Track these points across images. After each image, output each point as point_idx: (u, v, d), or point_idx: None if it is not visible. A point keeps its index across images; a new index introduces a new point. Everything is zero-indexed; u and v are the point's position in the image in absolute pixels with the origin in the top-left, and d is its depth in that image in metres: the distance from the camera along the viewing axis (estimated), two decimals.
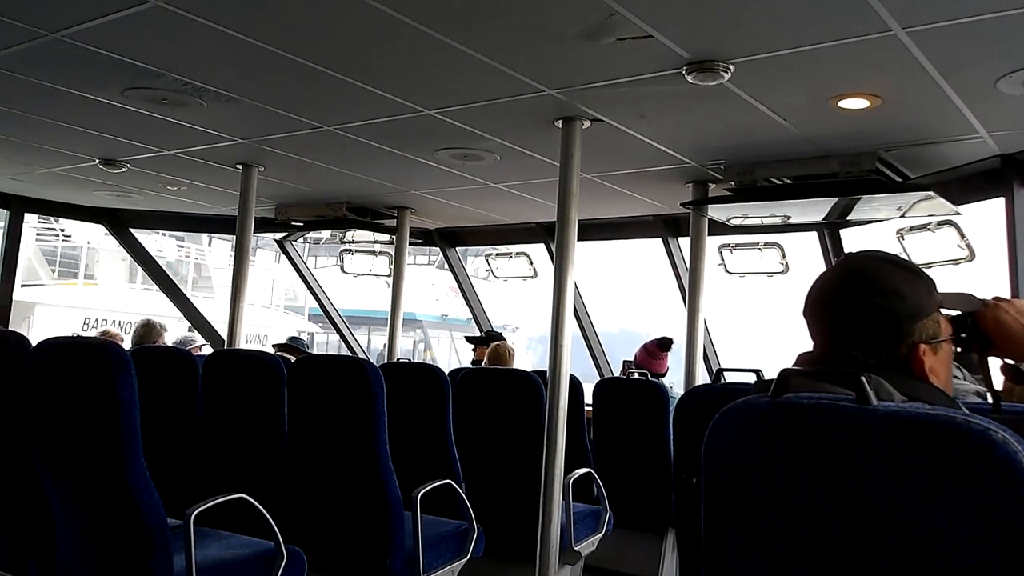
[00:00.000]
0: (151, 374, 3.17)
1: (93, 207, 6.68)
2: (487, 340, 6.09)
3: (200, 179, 5.23)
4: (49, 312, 14.87)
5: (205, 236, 19.29)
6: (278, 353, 5.31)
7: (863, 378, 1.05)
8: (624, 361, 5.66)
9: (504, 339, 6.02)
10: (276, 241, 7.21)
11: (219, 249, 21.64)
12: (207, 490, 2.91)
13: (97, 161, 4.82)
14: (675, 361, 5.18)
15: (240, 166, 4.76)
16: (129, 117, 3.81)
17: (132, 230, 7.16)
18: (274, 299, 21.98)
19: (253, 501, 2.54)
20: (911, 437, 1.00)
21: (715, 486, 1.19)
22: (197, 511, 2.41)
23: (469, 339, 6.49)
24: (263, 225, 5.97)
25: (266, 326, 19.35)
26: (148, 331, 5.24)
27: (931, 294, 1.33)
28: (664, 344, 5.09)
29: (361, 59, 2.94)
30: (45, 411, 2.56)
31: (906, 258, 4.30)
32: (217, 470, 3.37)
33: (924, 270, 1.38)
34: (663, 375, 5.06)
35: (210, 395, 3.39)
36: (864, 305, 1.30)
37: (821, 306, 1.37)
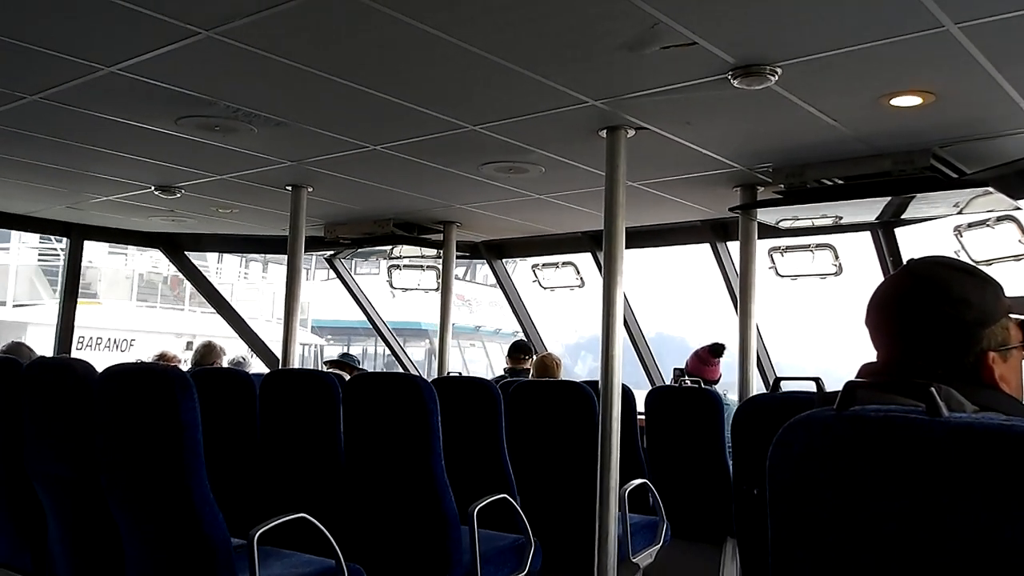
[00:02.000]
0: (211, 395, 3.23)
1: (149, 232, 6.85)
2: (521, 351, 6.08)
3: (251, 202, 5.34)
4: (41, 332, 14.91)
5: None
6: (330, 370, 5.40)
7: (932, 389, 1.03)
8: (675, 369, 5.60)
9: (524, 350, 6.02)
10: (326, 259, 7.31)
11: (228, 264, 21.90)
12: (267, 508, 2.96)
13: (153, 188, 4.96)
14: (727, 368, 5.12)
15: (290, 188, 4.85)
16: (183, 144, 3.91)
17: (185, 252, 7.33)
18: (276, 312, 22.26)
19: (314, 520, 2.58)
20: (986, 450, 0.97)
21: (783, 503, 1.17)
22: (260, 531, 2.45)
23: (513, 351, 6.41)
24: (313, 244, 6.05)
25: (268, 340, 19.63)
26: (208, 352, 5.35)
27: (999, 300, 1.29)
28: (716, 350, 5.02)
29: (406, 79, 2.98)
30: (112, 435, 2.63)
31: (969, 260, 4.22)
32: (276, 488, 3.42)
33: (990, 274, 1.34)
34: (716, 382, 4.99)
35: (268, 415, 3.45)
36: (930, 313, 1.27)
37: (885, 314, 1.34)
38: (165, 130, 3.69)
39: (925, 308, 1.28)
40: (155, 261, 20.22)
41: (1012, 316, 1.31)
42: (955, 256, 4.27)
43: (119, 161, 4.33)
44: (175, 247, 7.19)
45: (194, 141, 3.85)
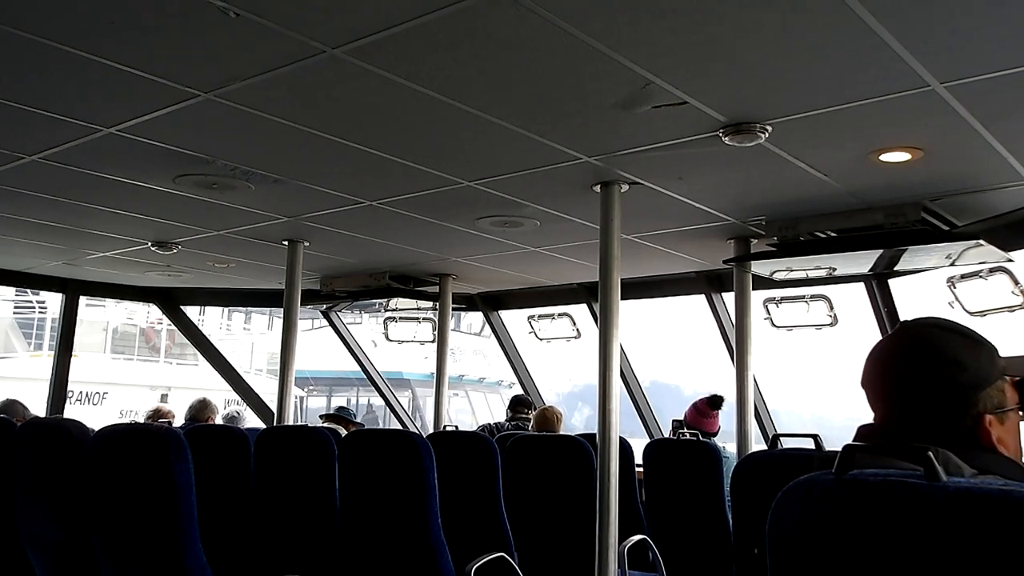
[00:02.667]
0: (205, 453, 3.20)
1: (145, 287, 6.86)
2: (522, 403, 6.07)
3: (248, 256, 5.36)
4: (15, 385, 14.94)
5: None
6: (326, 424, 5.36)
7: (930, 453, 1.03)
8: (673, 420, 5.56)
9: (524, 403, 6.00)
10: (321, 312, 7.30)
11: (211, 315, 21.65)
12: (261, 569, 2.91)
13: (149, 244, 4.98)
14: (725, 418, 5.09)
15: (286, 242, 4.87)
16: (180, 202, 3.94)
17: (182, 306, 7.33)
18: (254, 363, 21.73)
19: None
20: (986, 514, 0.97)
21: (783, 566, 1.17)
22: None
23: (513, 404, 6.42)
24: (309, 297, 6.06)
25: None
26: (203, 408, 5.32)
27: (994, 362, 1.30)
28: (714, 402, 4.98)
29: (402, 138, 3.02)
30: (105, 497, 2.60)
31: (963, 311, 4.24)
32: (270, 548, 3.37)
33: (984, 336, 1.35)
34: (715, 434, 4.95)
35: (262, 472, 3.41)
36: (925, 376, 1.27)
37: (880, 377, 1.34)
38: (163, 188, 3.72)
39: (920, 371, 1.28)
40: (130, 313, 20.03)
41: (1007, 377, 1.31)
42: (950, 307, 4.30)
43: (117, 218, 4.36)
44: (170, 301, 7.19)
45: (191, 198, 3.88)
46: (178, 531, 2.29)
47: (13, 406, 4.82)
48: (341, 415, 5.78)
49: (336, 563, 3.12)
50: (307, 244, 4.90)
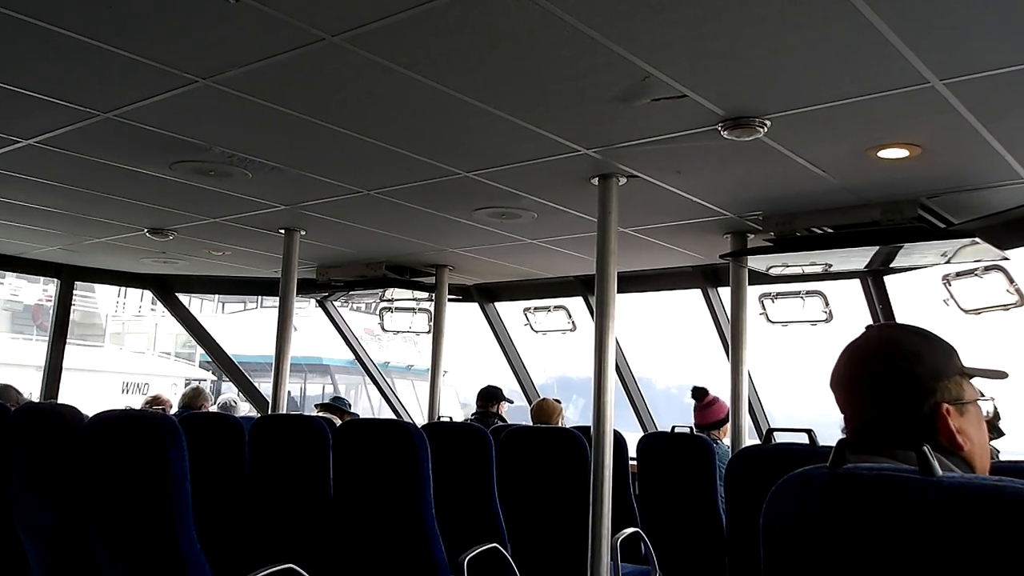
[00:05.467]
0: (199, 440, 3.20)
1: (140, 274, 6.84)
2: (491, 396, 5.80)
3: (244, 244, 5.35)
4: None
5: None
6: (321, 413, 5.36)
7: (926, 448, 1.04)
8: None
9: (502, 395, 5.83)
10: (317, 301, 7.30)
11: (105, 296, 20.61)
12: (254, 557, 2.92)
13: (145, 230, 4.96)
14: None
15: (283, 231, 4.86)
16: (176, 188, 3.93)
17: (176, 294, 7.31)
18: (158, 346, 20.87)
19: (301, 571, 2.54)
20: (980, 509, 0.98)
21: (777, 559, 1.17)
22: None
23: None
24: (305, 286, 6.05)
25: (149, 374, 18.66)
26: (196, 396, 5.31)
27: (951, 358, 1.37)
28: (694, 394, 4.91)
29: (400, 127, 3.01)
30: (99, 483, 2.60)
31: (958, 309, 4.26)
32: (264, 536, 3.37)
33: (945, 339, 1.41)
34: (725, 420, 4.85)
35: (256, 461, 3.41)
36: (885, 366, 1.35)
37: (847, 375, 1.41)
38: (159, 174, 3.71)
39: (880, 362, 1.36)
40: (14, 289, 18.83)
41: (965, 376, 1.37)
42: (945, 305, 4.32)
43: (112, 204, 4.34)
44: (165, 289, 7.17)
45: (188, 185, 3.87)
46: (172, 518, 2.29)
47: (7, 391, 4.81)
48: (337, 405, 5.78)
49: (330, 552, 3.13)
50: (303, 233, 4.89)
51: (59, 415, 2.75)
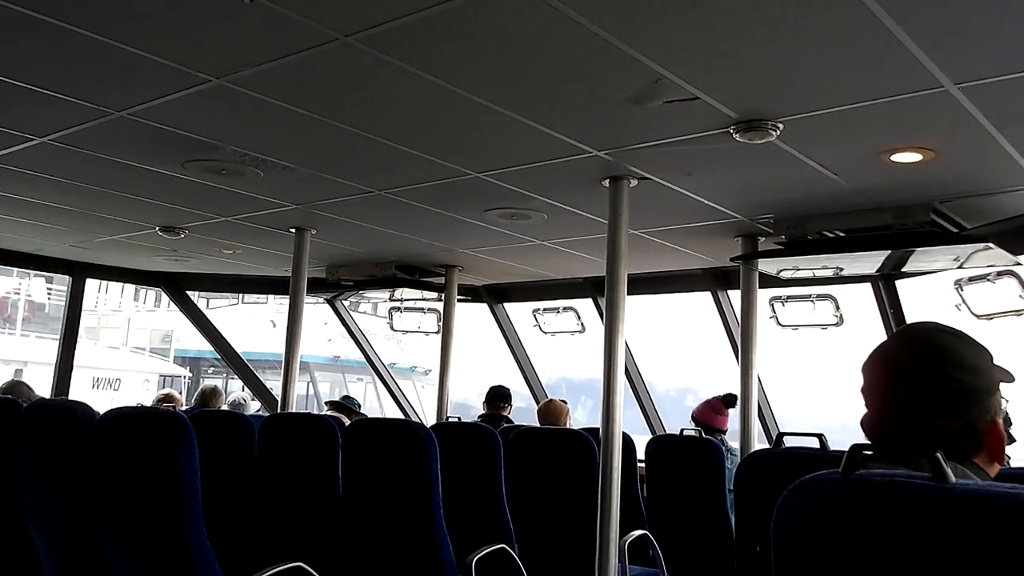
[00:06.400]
0: (210, 438, 3.21)
1: (151, 271, 6.87)
2: (500, 397, 5.75)
3: (255, 243, 5.36)
4: None
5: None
6: (330, 412, 5.37)
7: (939, 455, 1.03)
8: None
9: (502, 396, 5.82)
10: (327, 300, 7.31)
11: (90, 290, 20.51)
12: (263, 555, 2.92)
13: (157, 228, 4.98)
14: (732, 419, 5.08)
15: (293, 230, 4.87)
16: (189, 187, 3.94)
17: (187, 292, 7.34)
18: (132, 341, 20.52)
19: (310, 570, 2.54)
20: (994, 517, 0.97)
21: (786, 566, 1.16)
22: None
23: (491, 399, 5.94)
24: (315, 286, 6.06)
25: (122, 369, 18.27)
26: (211, 395, 5.35)
27: (994, 365, 1.33)
28: (729, 401, 4.98)
29: (412, 127, 3.01)
30: (110, 480, 2.61)
31: (970, 314, 4.23)
32: (273, 534, 3.38)
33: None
34: (723, 432, 4.95)
35: (266, 459, 3.42)
36: (938, 377, 1.28)
37: (892, 379, 1.34)
38: (172, 173, 3.72)
39: (932, 373, 1.29)
40: None
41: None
42: (957, 310, 4.29)
43: (125, 202, 4.36)
44: (176, 286, 7.20)
45: (200, 184, 3.89)
46: (183, 515, 2.30)
47: (19, 387, 4.84)
48: (346, 404, 5.79)
49: (338, 550, 3.13)
50: (314, 232, 4.90)
51: (70, 411, 2.77)
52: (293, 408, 4.80)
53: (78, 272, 6.53)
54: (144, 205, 4.42)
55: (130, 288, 21.18)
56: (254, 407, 7.38)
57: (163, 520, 2.37)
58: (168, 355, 21.63)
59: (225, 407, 5.86)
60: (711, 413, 4.97)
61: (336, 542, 3.15)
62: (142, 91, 2.75)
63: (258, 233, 5.01)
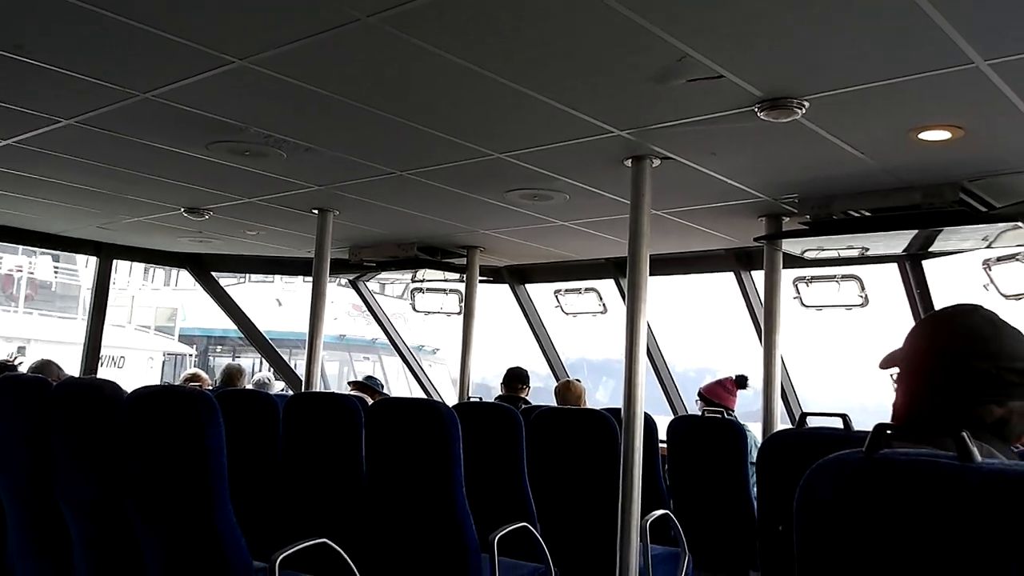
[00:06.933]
0: (235, 417, 3.25)
1: (177, 252, 6.94)
2: (518, 379, 5.70)
3: (278, 224, 5.40)
4: None
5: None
6: (353, 392, 5.42)
7: (965, 434, 1.02)
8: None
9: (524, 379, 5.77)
10: (349, 281, 7.35)
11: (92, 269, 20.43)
12: (288, 532, 2.97)
13: (182, 210, 5.03)
14: (751, 399, 5.07)
15: (316, 211, 4.90)
16: (212, 168, 3.97)
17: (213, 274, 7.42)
18: (136, 319, 20.40)
19: (335, 546, 2.58)
20: (1021, 496, 0.96)
21: (809, 545, 1.16)
22: (282, 556, 2.45)
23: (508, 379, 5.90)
24: (337, 266, 6.09)
25: (126, 347, 18.25)
26: (236, 374, 5.41)
27: None
28: (741, 382, 4.99)
29: (434, 108, 3.01)
30: (138, 457, 2.66)
31: (998, 294, 4.17)
32: (298, 512, 3.43)
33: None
34: (731, 411, 4.96)
35: (291, 438, 3.46)
36: (981, 364, 1.28)
37: (927, 358, 1.34)
38: (196, 154, 3.75)
39: (978, 359, 1.29)
40: None
41: None
42: (985, 290, 4.24)
43: (150, 184, 4.40)
44: (201, 267, 7.27)
45: (224, 165, 3.91)
46: (209, 491, 2.34)
47: (48, 366, 4.93)
48: (369, 384, 5.83)
49: (361, 528, 3.17)
50: (337, 213, 4.92)
51: (99, 390, 2.82)
52: (317, 387, 4.84)
53: (105, 253, 6.60)
54: (169, 186, 4.45)
55: (139, 267, 21.29)
56: (278, 387, 7.46)
57: (190, 496, 2.41)
58: (173, 333, 21.67)
59: (249, 386, 5.93)
60: (720, 391, 4.98)
61: (360, 519, 3.19)
62: (167, 73, 2.77)
63: (281, 214, 5.04)
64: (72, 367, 5.30)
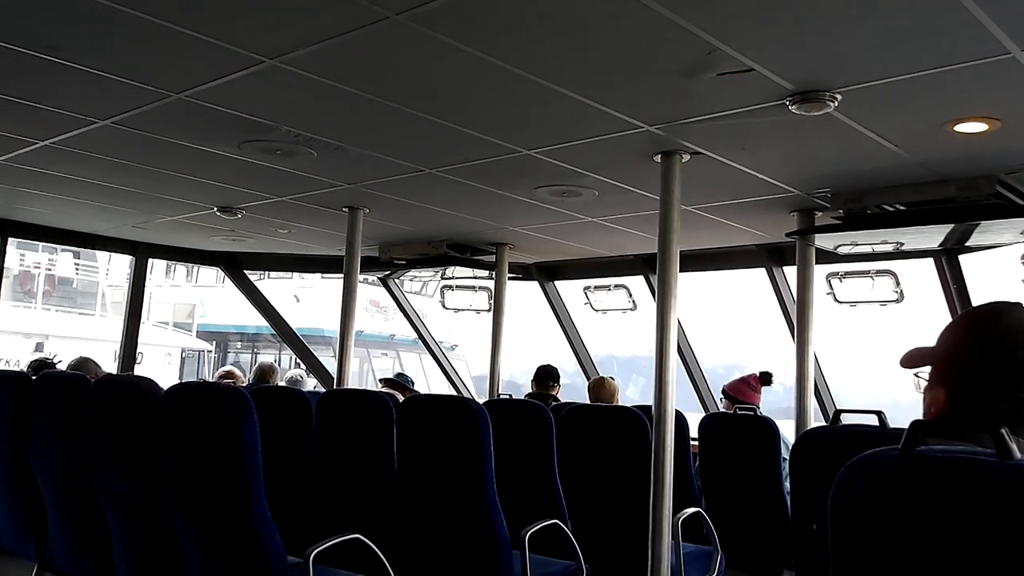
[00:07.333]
0: (269, 414, 3.29)
1: (210, 251, 7.04)
2: (549, 376, 5.71)
3: (309, 222, 5.45)
4: None
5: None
6: (384, 389, 5.45)
7: (1004, 431, 1.01)
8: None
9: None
10: (380, 279, 7.39)
11: (118, 266, 19.75)
12: (322, 527, 3.00)
13: (215, 209, 5.09)
14: (782, 396, 5.03)
15: (346, 209, 4.93)
16: (245, 167, 4.02)
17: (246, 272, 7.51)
18: (153, 316, 20.38)
19: (368, 541, 2.60)
20: None
21: (845, 543, 1.15)
22: (316, 551, 2.47)
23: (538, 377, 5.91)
24: (368, 264, 6.14)
25: (144, 343, 18.46)
26: (270, 372, 5.48)
27: None
28: (767, 379, 4.95)
29: (463, 105, 3.02)
30: (174, 453, 2.70)
31: None
32: (331, 507, 3.46)
33: None
34: (756, 409, 4.91)
35: (323, 434, 3.49)
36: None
37: (979, 358, 1.31)
38: (228, 154, 3.80)
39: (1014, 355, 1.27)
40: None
41: None
42: (1023, 284, 4.15)
43: (184, 183, 4.46)
44: (234, 266, 7.36)
45: (255, 164, 3.95)
46: (244, 487, 2.37)
47: (87, 364, 5.02)
48: (400, 381, 5.87)
49: (394, 524, 3.19)
50: (367, 211, 4.95)
51: (136, 387, 2.87)
52: (348, 384, 4.88)
53: (140, 252, 6.71)
54: (202, 186, 4.51)
55: (160, 263, 21.50)
56: (310, 384, 7.53)
57: (226, 492, 2.45)
58: (191, 329, 21.84)
59: (282, 383, 5.99)
60: (745, 388, 4.94)
61: (392, 516, 3.21)
62: (199, 73, 2.80)
63: (312, 212, 5.09)
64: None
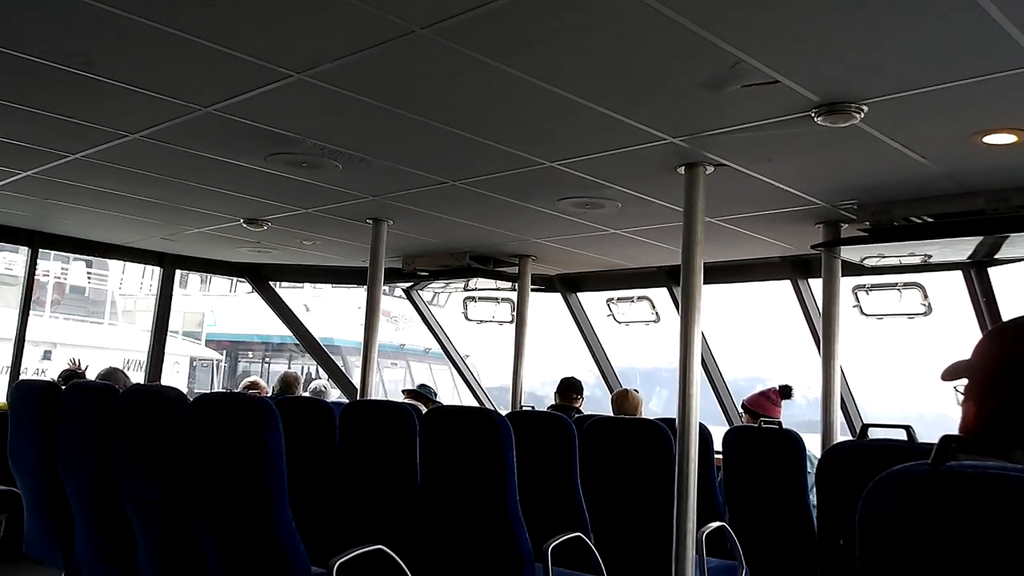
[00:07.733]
0: (293, 424, 3.31)
1: (236, 263, 7.11)
2: (572, 388, 5.68)
3: (333, 234, 5.49)
4: None
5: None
6: (407, 400, 5.47)
7: None
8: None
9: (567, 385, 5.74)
10: (404, 290, 7.42)
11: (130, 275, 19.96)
12: (345, 538, 3.01)
13: (241, 221, 5.15)
14: (805, 409, 4.97)
15: (370, 221, 4.96)
16: (271, 180, 4.06)
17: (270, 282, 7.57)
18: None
19: (391, 552, 2.60)
20: None
21: (873, 559, 1.14)
22: (340, 561, 2.48)
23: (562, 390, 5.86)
24: (391, 275, 6.17)
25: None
26: (293, 383, 5.52)
27: None
28: (787, 392, 4.90)
29: (487, 118, 3.03)
30: (201, 462, 2.72)
31: None
32: (354, 518, 3.47)
33: None
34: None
35: (347, 445, 3.51)
36: None
37: (1012, 373, 1.28)
38: (255, 166, 3.84)
39: None
40: (9, 263, 18.22)
41: None
42: None
43: (211, 196, 4.52)
44: (260, 277, 7.43)
45: (281, 177, 4.00)
46: (269, 495, 2.39)
47: (115, 373, 5.08)
48: (423, 392, 5.88)
49: (416, 536, 3.19)
50: (391, 223, 4.98)
51: (163, 396, 2.90)
52: (371, 395, 4.90)
53: (168, 263, 6.79)
54: (229, 198, 4.57)
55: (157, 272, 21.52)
56: (334, 394, 7.56)
57: (251, 501, 2.46)
58: (200, 338, 21.85)
59: (306, 394, 6.03)
60: (765, 402, 4.88)
61: (415, 527, 3.21)
62: (227, 87, 2.84)
63: (337, 224, 5.13)
64: (97, 371, 5.39)
